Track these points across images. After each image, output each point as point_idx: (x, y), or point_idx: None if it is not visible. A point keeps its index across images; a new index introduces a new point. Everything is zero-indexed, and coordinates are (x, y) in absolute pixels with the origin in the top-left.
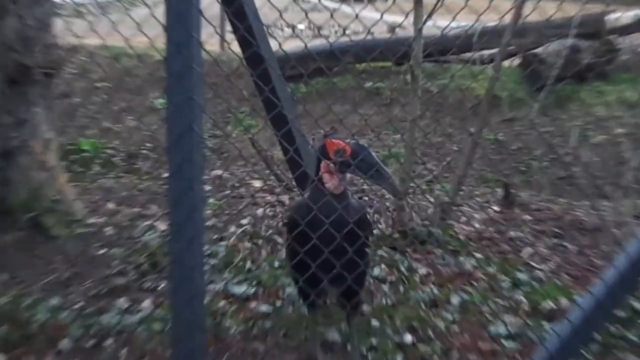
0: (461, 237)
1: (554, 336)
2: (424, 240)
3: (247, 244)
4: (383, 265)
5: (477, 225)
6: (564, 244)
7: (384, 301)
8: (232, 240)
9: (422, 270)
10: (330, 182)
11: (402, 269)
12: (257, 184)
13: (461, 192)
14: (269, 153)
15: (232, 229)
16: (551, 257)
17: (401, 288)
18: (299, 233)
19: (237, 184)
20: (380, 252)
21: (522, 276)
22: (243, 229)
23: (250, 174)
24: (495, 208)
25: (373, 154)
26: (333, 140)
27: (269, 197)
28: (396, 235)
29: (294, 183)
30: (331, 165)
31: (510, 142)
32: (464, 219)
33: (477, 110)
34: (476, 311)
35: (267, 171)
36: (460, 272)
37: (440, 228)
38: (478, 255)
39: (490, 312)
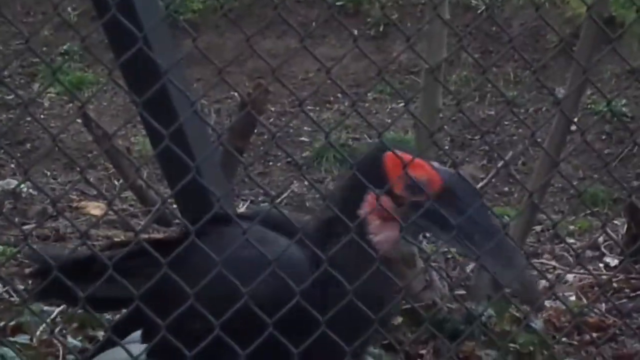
0: (537, 324)
1: None
2: (458, 329)
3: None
4: None
5: (572, 298)
6: None
7: None
8: (39, 332)
9: None
10: (383, 235)
11: None
12: (95, 209)
13: (538, 228)
14: (122, 143)
15: (42, 306)
16: None
17: None
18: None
19: (50, 209)
20: None
21: None
22: (60, 309)
23: (79, 186)
24: (613, 260)
25: (486, 203)
26: (402, 154)
27: (122, 237)
28: (398, 319)
29: (174, 208)
30: (387, 203)
31: None
32: (543, 283)
33: (572, 51)
34: None
35: (118, 181)
36: None
37: (493, 305)
38: None
39: None
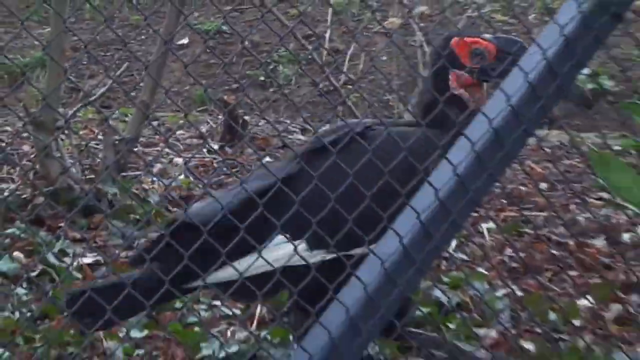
0: (153, 198)
1: None
2: (90, 206)
3: None
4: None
5: (181, 177)
6: None
7: None
8: None
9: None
10: (475, 96)
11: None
12: None
13: (155, 123)
14: None
15: None
16: None
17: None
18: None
19: None
20: None
21: None
22: None
23: None
24: (214, 145)
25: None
26: (465, 38)
27: None
28: (39, 199)
29: None
30: (464, 75)
31: None
32: (158, 166)
33: None
34: None
35: None
36: None
37: (118, 184)
38: None
39: None
